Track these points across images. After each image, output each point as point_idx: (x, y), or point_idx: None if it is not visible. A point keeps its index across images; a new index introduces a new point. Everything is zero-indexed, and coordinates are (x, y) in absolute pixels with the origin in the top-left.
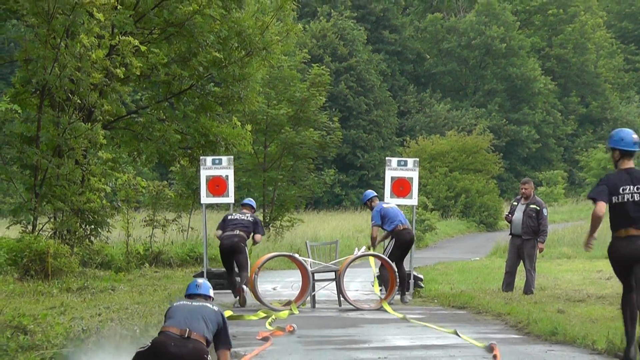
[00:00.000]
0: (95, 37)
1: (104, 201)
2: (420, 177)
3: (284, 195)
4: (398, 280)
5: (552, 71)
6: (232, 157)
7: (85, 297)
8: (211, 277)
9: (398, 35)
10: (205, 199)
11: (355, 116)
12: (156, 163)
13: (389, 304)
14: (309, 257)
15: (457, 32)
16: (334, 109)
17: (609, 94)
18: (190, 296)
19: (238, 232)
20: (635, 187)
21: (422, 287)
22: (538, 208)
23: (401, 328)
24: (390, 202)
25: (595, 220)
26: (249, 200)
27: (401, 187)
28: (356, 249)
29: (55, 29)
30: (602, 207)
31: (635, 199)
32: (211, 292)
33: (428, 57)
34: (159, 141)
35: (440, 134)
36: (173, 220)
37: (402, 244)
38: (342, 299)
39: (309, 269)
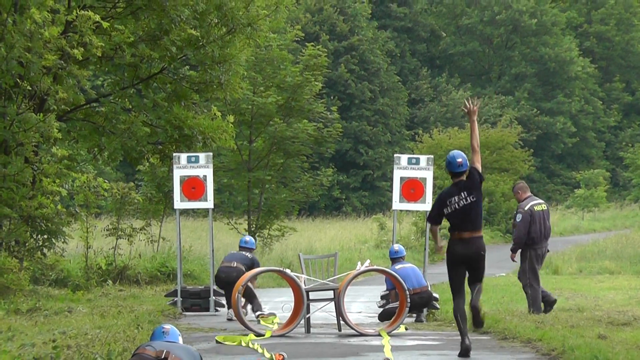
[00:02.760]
0: (48, 11)
1: (59, 206)
2: (435, 178)
3: (272, 200)
4: (409, 302)
5: (591, 52)
6: (210, 154)
7: (37, 320)
8: (186, 296)
9: (408, 9)
10: (179, 203)
11: (358, 105)
12: (121, 161)
13: (389, 333)
14: (302, 273)
15: (479, 6)
16: (332, 97)
17: None
18: None
19: (236, 264)
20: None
21: (437, 308)
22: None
23: (413, 356)
24: (405, 264)
25: None
26: (246, 244)
27: (412, 190)
28: (359, 263)
29: (1, 2)
30: None
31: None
32: (180, 340)
33: (444, 35)
34: (124, 135)
35: (459, 126)
36: (141, 229)
37: (414, 308)
38: (342, 322)
39: (303, 286)
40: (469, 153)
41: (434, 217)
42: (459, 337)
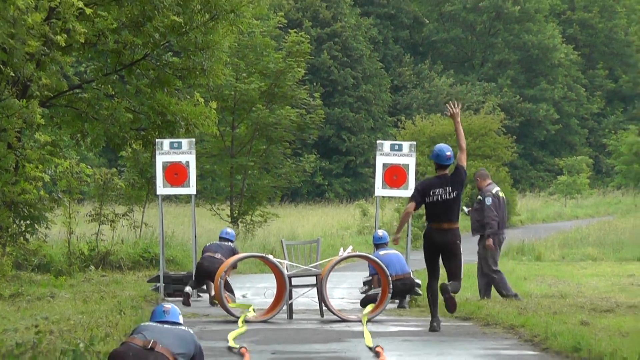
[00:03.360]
0: None
1: (42, 192)
2: (417, 164)
3: (255, 186)
4: (391, 288)
5: (574, 39)
6: (193, 140)
7: (20, 306)
8: (169, 281)
9: None
10: (161, 189)
11: (341, 92)
12: (103, 147)
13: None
14: (285, 259)
15: None
16: (315, 84)
17: None
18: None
19: (220, 256)
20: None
21: (419, 294)
22: (481, 197)
23: (395, 343)
24: (389, 250)
25: None
26: (227, 235)
27: (395, 176)
28: (341, 249)
29: None
30: None
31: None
32: (180, 319)
33: (427, 22)
34: (107, 121)
35: (442, 112)
36: (123, 215)
37: (396, 294)
38: (324, 308)
39: (285, 272)
40: (452, 139)
41: (417, 200)
42: (447, 324)
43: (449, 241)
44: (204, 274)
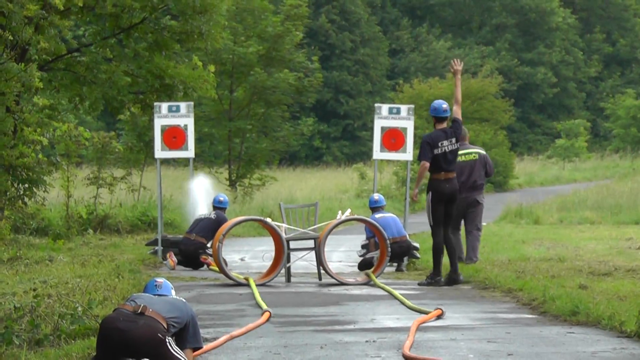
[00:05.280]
0: None
1: (40, 155)
2: (415, 128)
3: (253, 149)
4: (389, 250)
5: (572, 3)
6: (191, 103)
7: (18, 270)
8: (166, 245)
9: None
10: (160, 152)
11: (339, 55)
12: (102, 111)
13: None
14: (283, 222)
15: None
16: (313, 47)
17: (639, 30)
18: None
19: (195, 237)
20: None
21: (418, 257)
22: None
23: (394, 306)
24: (385, 213)
25: None
26: (220, 204)
27: (393, 140)
28: (339, 212)
29: None
30: None
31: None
32: (173, 293)
33: None
34: (105, 85)
35: (440, 76)
36: (122, 179)
37: (393, 257)
38: (322, 271)
39: (283, 236)
40: (462, 102)
41: (429, 157)
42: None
43: (455, 189)
44: (184, 257)
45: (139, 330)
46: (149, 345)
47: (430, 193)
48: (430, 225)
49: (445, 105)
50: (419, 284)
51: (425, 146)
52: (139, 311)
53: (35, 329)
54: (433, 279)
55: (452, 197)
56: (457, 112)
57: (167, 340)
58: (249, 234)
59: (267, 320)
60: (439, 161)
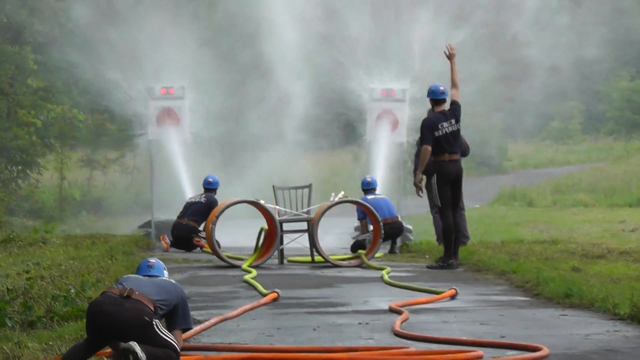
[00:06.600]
0: None
1: (34, 138)
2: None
3: None
4: (382, 232)
5: None
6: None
7: (11, 251)
8: (160, 227)
9: None
10: (154, 134)
11: None
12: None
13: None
14: (276, 204)
15: None
16: None
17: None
18: None
19: (187, 221)
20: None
21: (411, 239)
22: None
23: (387, 288)
24: (377, 195)
25: None
26: (210, 185)
27: (387, 122)
28: (332, 194)
29: None
30: None
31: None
32: (165, 274)
33: None
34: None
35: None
36: (116, 160)
37: (385, 238)
38: (315, 253)
39: (277, 218)
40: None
41: (431, 140)
42: (439, 269)
43: (460, 171)
44: (177, 241)
45: (125, 314)
46: (136, 327)
47: (435, 175)
48: (432, 207)
49: (442, 88)
50: (427, 267)
51: (425, 130)
52: (125, 294)
53: (28, 311)
54: (445, 262)
55: (457, 178)
56: (455, 94)
57: (154, 323)
58: (242, 216)
59: (273, 300)
60: (441, 143)
